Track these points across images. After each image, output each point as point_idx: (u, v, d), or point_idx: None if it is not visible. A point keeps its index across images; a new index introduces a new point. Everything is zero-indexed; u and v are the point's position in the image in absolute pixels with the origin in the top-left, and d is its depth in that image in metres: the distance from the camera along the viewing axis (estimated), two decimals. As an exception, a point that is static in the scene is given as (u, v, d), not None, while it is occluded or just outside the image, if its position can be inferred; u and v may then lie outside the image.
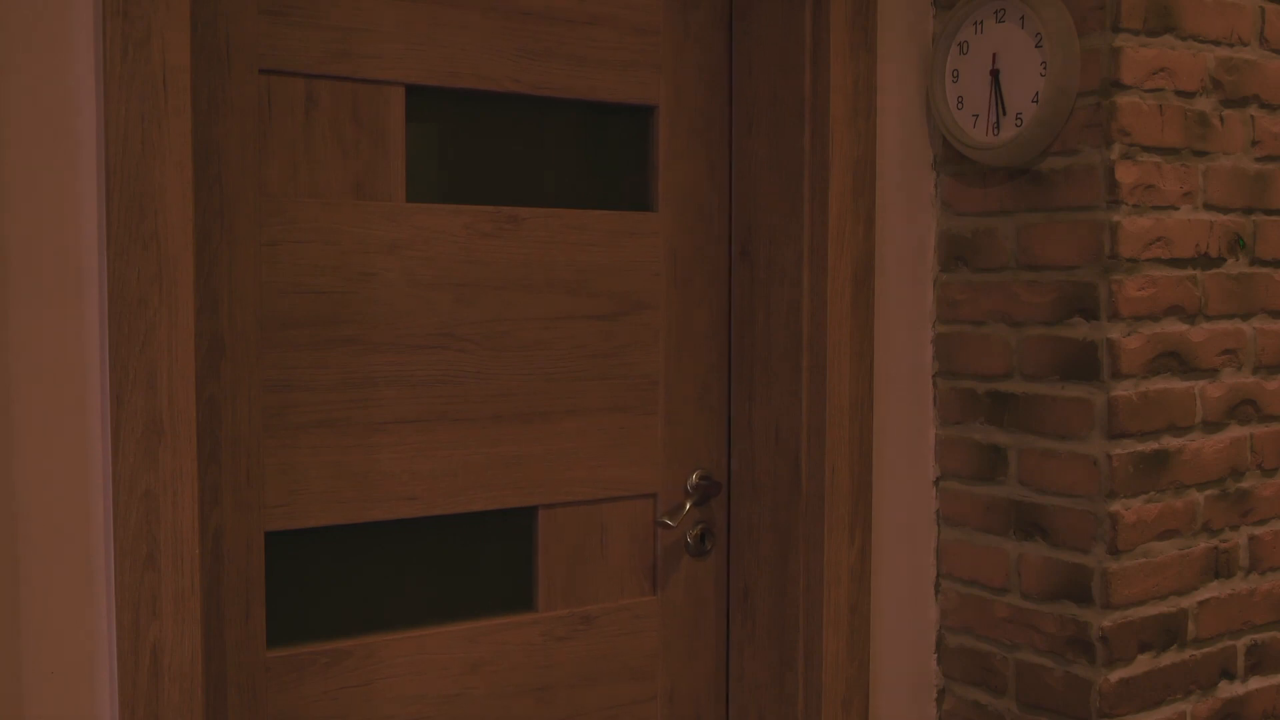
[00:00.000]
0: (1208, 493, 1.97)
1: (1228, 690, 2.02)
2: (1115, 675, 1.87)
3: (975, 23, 1.95)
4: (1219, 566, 1.99)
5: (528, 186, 1.88)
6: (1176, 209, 1.90)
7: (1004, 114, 1.91)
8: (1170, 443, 1.91)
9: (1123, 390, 1.85)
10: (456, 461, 1.81)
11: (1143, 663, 1.90)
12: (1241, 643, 2.04)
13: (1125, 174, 1.83)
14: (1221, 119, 1.95)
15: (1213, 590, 1.99)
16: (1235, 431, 2.00)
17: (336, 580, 1.77)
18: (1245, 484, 2.02)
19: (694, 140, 2.00)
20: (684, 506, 1.97)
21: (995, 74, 1.92)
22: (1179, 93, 1.89)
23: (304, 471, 1.70)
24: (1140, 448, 1.87)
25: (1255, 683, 2.06)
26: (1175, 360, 1.91)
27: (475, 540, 1.87)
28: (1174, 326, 1.90)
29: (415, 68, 1.75)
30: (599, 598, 1.95)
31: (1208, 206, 1.94)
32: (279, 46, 1.66)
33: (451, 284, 1.79)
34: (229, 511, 1.65)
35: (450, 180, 1.82)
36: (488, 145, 1.85)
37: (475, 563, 1.87)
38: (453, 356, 1.79)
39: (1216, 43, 1.93)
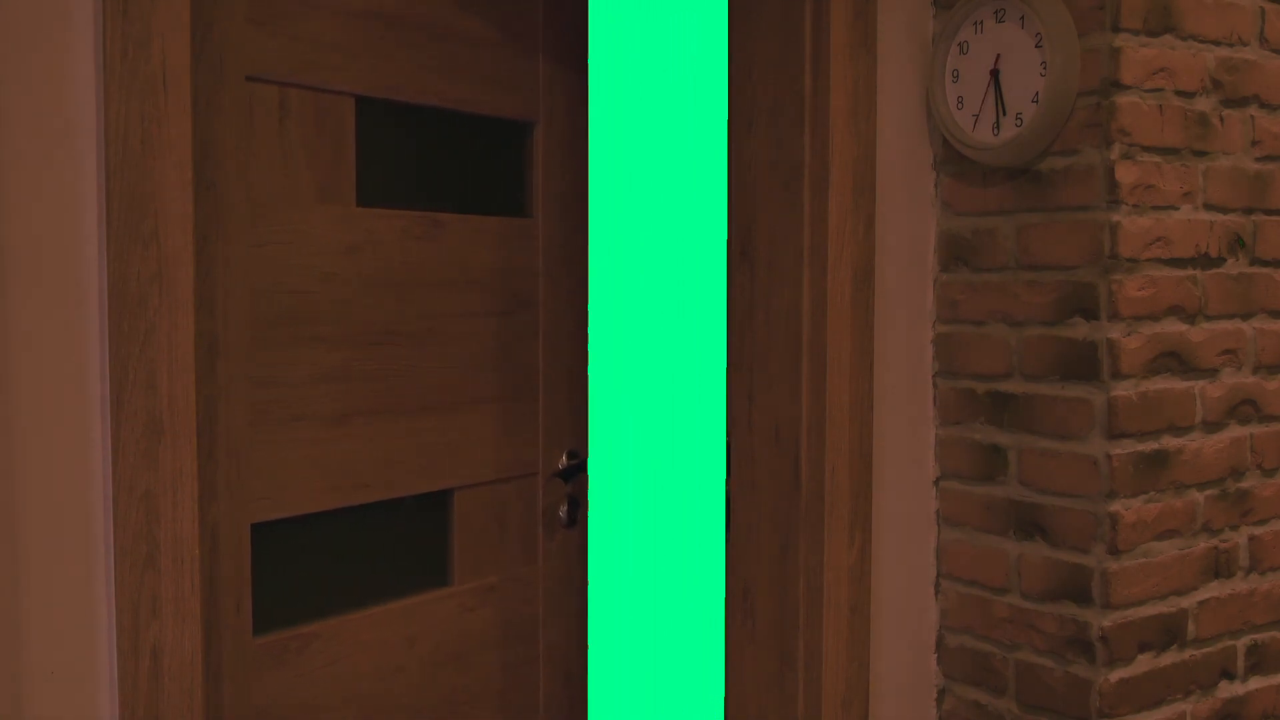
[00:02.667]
0: (1208, 493, 1.97)
1: (1228, 690, 2.02)
2: (1115, 675, 1.87)
3: (975, 23, 1.95)
4: (1219, 566, 1.99)
5: (444, 193, 2.02)
6: (1176, 209, 1.90)
7: (1004, 114, 1.91)
8: (1170, 443, 1.91)
9: (1123, 390, 1.85)
10: (395, 449, 1.92)
11: (1143, 663, 1.90)
12: (1241, 643, 2.04)
13: (1125, 174, 1.83)
14: (1221, 119, 1.95)
15: (1213, 590, 1.99)
16: (1235, 431, 2.00)
17: (305, 566, 1.82)
18: (1245, 484, 2.02)
19: (563, 153, 2.18)
20: (561, 481, 2.16)
21: (995, 74, 1.92)
22: (1179, 93, 1.89)
23: (283, 464, 1.75)
24: (1140, 448, 1.87)
25: (1255, 683, 2.06)
26: (1175, 360, 1.91)
27: (408, 522, 1.98)
28: (1174, 326, 1.90)
29: (365, 80, 1.84)
30: (497, 570, 2.10)
31: (1208, 206, 1.94)
32: (261, 54, 1.70)
33: (393, 284, 1.90)
34: (224, 507, 1.67)
35: (389, 186, 1.93)
36: (415, 154, 1.97)
37: (408, 543, 1.99)
38: (393, 351, 1.91)
39: (1216, 43, 1.93)
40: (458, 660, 2.03)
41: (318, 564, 1.84)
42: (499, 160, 2.10)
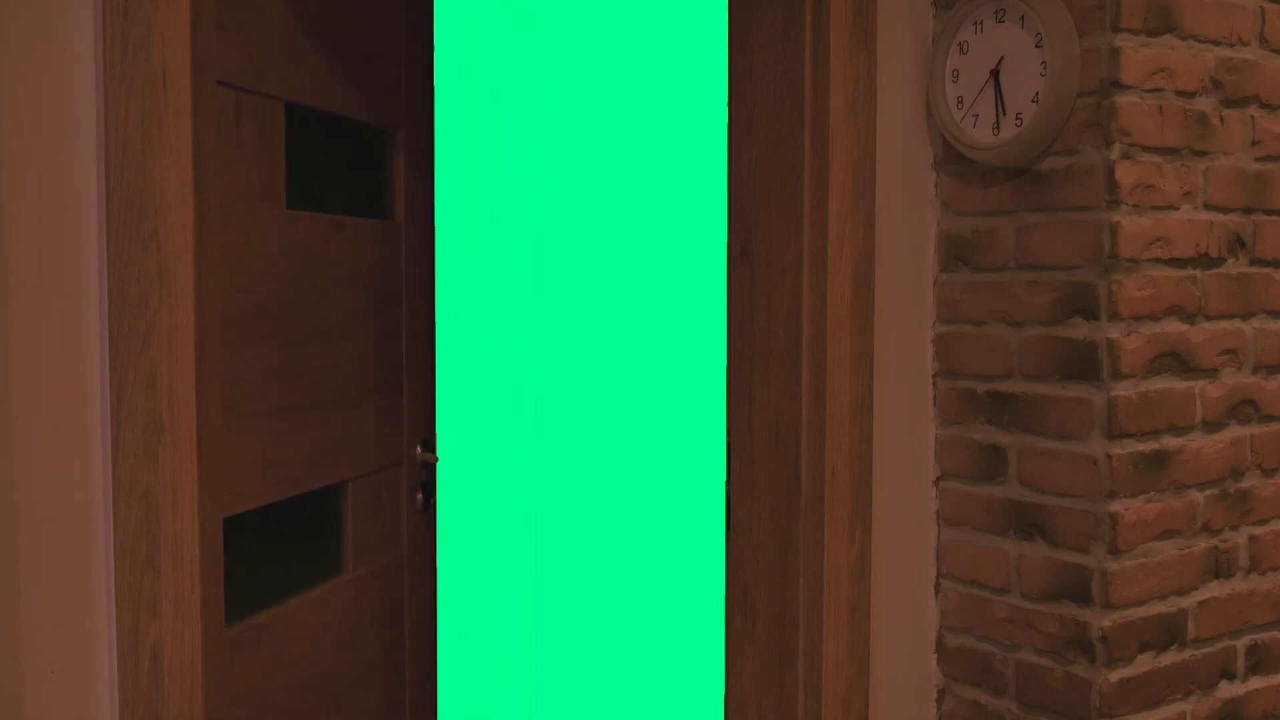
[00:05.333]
0: (1208, 493, 1.97)
1: (1228, 690, 2.02)
2: (1115, 675, 1.87)
3: (975, 23, 1.95)
4: (1219, 566, 1.99)
5: (341, 197, 2.09)
6: (1176, 209, 1.90)
7: (1004, 114, 1.91)
8: (1170, 443, 1.91)
9: (1123, 390, 1.85)
10: (317, 443, 1.98)
11: (1143, 663, 1.90)
12: (1241, 643, 2.04)
13: (1125, 174, 1.83)
14: (1221, 119, 1.95)
15: (1213, 590, 1.99)
16: (1235, 431, 2.00)
17: (253, 558, 1.85)
18: (1245, 484, 2.02)
19: (417, 157, 2.26)
20: (422, 469, 2.30)
21: (995, 74, 1.92)
22: (1179, 93, 1.89)
23: (244, 459, 1.78)
24: (1140, 448, 1.87)
25: (1255, 683, 2.06)
26: (1175, 360, 1.91)
27: (318, 512, 2.06)
28: (1174, 326, 1.90)
29: (293, 87, 1.89)
30: (378, 555, 2.19)
31: (1208, 206, 1.94)
32: (226, 60, 1.71)
33: (313, 283, 1.95)
34: (207, 503, 1.67)
35: (305, 190, 1.98)
36: (320, 158, 2.04)
37: (318, 533, 2.07)
38: (316, 349, 1.96)
39: (1216, 43, 1.93)
40: (353, 643, 2.11)
41: (261, 556, 1.89)
42: (375, 165, 2.19)
